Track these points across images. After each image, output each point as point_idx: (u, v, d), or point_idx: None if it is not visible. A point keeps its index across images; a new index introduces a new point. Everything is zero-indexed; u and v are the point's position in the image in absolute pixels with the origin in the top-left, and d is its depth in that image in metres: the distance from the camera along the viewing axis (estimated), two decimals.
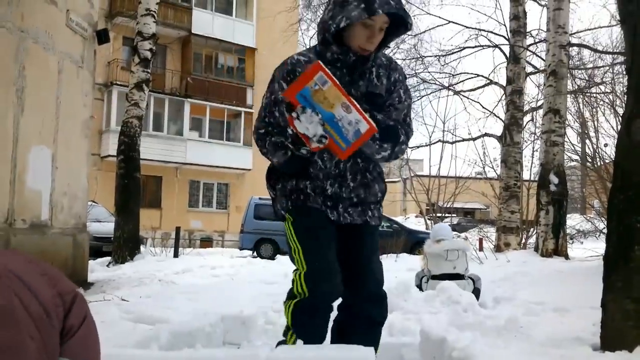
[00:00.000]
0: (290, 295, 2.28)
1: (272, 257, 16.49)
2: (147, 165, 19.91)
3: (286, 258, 13.64)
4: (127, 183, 10.46)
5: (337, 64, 2.26)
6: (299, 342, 1.99)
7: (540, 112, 12.88)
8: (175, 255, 13.13)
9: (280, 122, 2.25)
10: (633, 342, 3.00)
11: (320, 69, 1.97)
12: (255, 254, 17.51)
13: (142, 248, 11.10)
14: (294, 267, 2.30)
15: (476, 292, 5.19)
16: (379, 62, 2.37)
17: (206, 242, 23.81)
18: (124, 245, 10.29)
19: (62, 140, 6.73)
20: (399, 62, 3.34)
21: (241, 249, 18.34)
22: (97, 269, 9.35)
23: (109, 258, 10.59)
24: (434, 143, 17.98)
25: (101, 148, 23.96)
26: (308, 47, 4.07)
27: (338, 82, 1.99)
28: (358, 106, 1.99)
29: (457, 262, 5.42)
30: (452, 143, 17.99)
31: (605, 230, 3.96)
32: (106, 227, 12.39)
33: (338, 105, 1.98)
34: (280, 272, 7.52)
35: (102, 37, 7.60)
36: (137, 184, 10.71)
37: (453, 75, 18.19)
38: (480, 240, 15.55)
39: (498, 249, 12.56)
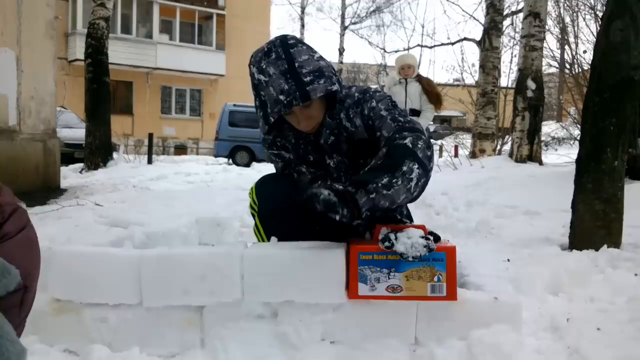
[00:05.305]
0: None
1: (247, 165, 16.48)
2: (117, 70, 19.38)
3: (262, 165, 13.67)
4: (96, 87, 10.21)
5: (300, 142, 2.16)
6: (273, 239, 1.99)
7: (521, 15, 12.63)
8: (149, 162, 13.08)
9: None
10: (600, 241, 3.09)
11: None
12: (230, 161, 17.45)
13: (114, 155, 11.05)
14: None
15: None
16: (346, 105, 2.09)
17: (180, 150, 23.67)
18: (96, 151, 10.21)
19: (26, 42, 6.48)
20: None
21: (216, 156, 18.22)
22: (70, 175, 9.30)
23: (81, 165, 10.54)
24: (412, 48, 17.83)
25: (68, 51, 23.16)
26: None
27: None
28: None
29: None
30: (430, 47, 17.91)
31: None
32: (77, 133, 12.22)
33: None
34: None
35: None
36: (107, 88, 10.46)
37: None
38: (456, 147, 15.70)
39: (473, 155, 12.65)
